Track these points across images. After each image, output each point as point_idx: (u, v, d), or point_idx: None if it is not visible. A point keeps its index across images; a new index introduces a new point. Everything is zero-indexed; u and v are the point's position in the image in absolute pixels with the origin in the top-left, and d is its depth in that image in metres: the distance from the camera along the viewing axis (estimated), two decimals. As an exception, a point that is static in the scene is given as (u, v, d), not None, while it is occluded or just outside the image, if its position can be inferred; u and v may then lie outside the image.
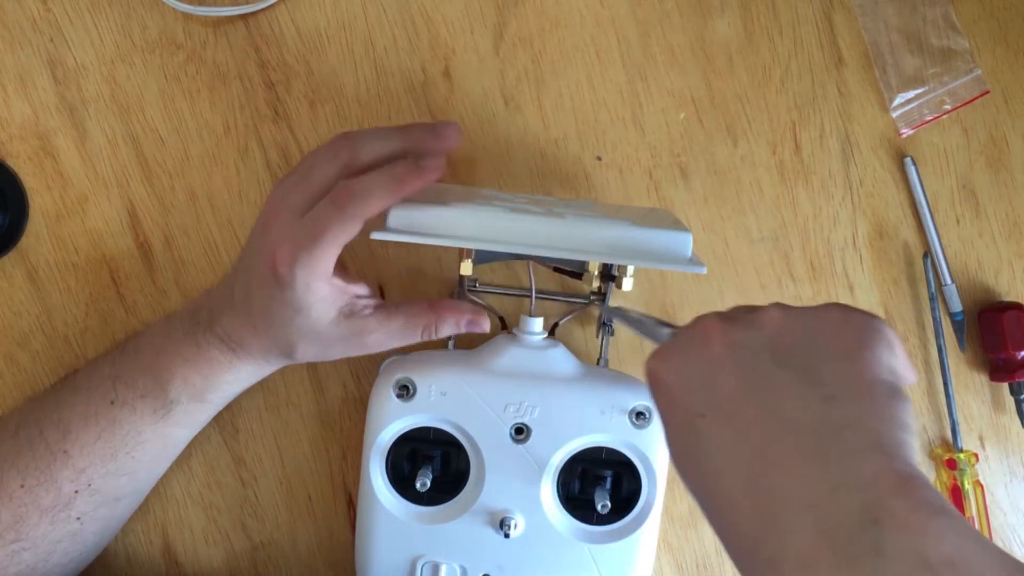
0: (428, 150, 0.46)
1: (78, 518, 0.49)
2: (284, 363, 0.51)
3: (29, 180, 0.55)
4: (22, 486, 0.48)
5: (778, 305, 0.37)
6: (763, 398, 0.34)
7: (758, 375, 0.35)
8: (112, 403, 0.48)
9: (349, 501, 0.57)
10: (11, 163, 0.55)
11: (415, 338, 0.49)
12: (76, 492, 0.49)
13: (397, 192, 0.44)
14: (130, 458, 0.49)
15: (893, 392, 0.33)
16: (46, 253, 0.55)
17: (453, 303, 0.50)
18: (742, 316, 0.37)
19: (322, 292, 0.45)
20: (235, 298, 0.47)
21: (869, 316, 0.36)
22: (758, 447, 0.33)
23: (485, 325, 0.50)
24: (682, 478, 0.36)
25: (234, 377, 0.50)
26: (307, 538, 0.58)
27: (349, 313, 0.47)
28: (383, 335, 0.48)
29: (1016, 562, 0.28)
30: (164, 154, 0.56)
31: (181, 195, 0.56)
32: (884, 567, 0.28)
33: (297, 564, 0.58)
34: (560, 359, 0.51)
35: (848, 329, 0.35)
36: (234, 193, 0.56)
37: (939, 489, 0.59)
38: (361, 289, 0.48)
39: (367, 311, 0.48)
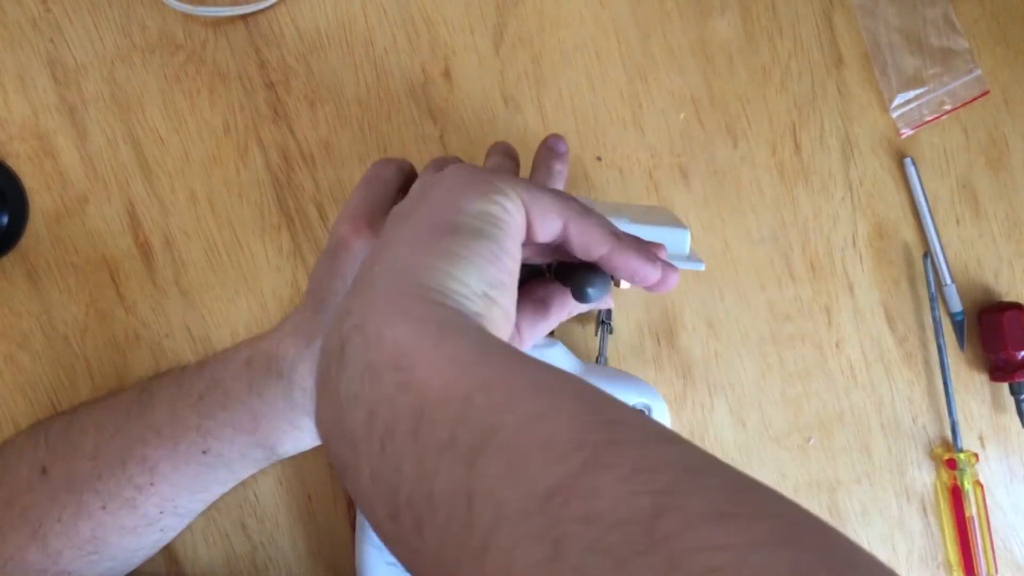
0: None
1: (161, 530, 0.48)
2: None
3: (29, 180, 0.55)
4: (103, 508, 0.46)
5: (423, 175, 0.40)
6: (376, 254, 0.36)
7: (383, 236, 0.37)
8: (205, 453, 0.46)
9: (349, 501, 0.57)
10: (11, 163, 0.55)
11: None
12: (161, 513, 0.47)
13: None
14: (222, 488, 0.49)
15: (440, 227, 0.34)
16: (46, 253, 0.55)
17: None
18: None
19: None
20: None
21: (468, 171, 0.37)
22: (349, 296, 0.35)
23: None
24: None
25: None
26: (307, 538, 0.58)
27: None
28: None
29: (471, 355, 0.29)
30: (164, 154, 0.56)
31: (181, 195, 0.56)
32: (342, 375, 0.30)
33: (297, 564, 0.57)
34: (559, 358, 0.51)
35: (446, 184, 0.36)
36: (234, 193, 0.56)
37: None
38: None
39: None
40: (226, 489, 0.49)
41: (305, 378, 0.44)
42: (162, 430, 0.47)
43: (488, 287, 0.33)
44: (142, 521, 0.47)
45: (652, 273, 0.38)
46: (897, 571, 0.60)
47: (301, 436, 0.46)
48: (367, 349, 0.30)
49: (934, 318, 0.58)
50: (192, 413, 0.46)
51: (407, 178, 0.48)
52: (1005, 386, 0.59)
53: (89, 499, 0.46)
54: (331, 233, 0.46)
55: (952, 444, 0.58)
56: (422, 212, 0.35)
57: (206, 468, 0.46)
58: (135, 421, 0.47)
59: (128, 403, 0.49)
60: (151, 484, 0.46)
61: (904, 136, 0.58)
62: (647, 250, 0.39)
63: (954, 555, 0.58)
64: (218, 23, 0.56)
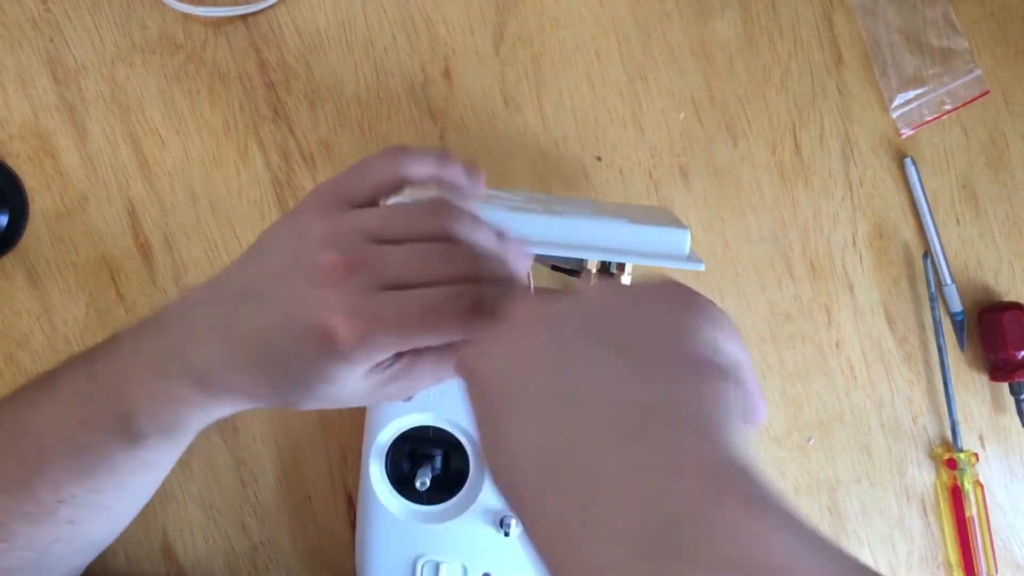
0: (457, 186, 0.43)
1: (69, 521, 0.46)
2: (275, 406, 0.42)
3: (29, 180, 0.55)
4: (3, 491, 0.44)
5: (601, 282, 0.35)
6: (572, 377, 0.30)
7: (569, 353, 0.31)
8: (81, 423, 0.42)
9: (349, 501, 0.57)
10: (11, 163, 0.55)
11: (447, 374, 0.40)
12: (59, 502, 0.44)
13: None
14: (110, 477, 0.45)
15: (715, 370, 0.29)
16: (46, 253, 0.55)
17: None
18: (562, 294, 0.34)
19: (362, 370, 0.38)
20: (229, 332, 0.39)
21: (692, 291, 0.33)
22: (564, 433, 0.28)
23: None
24: (492, 476, 0.31)
25: (207, 416, 0.42)
26: (307, 538, 0.58)
27: (371, 370, 0.39)
28: (411, 380, 0.40)
29: (854, 565, 0.24)
30: (164, 154, 0.56)
31: (181, 195, 0.56)
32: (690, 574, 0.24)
33: (297, 564, 0.58)
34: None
35: (668, 303, 0.32)
36: (234, 193, 0.56)
37: (941, 489, 0.59)
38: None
39: (388, 363, 0.39)
40: (113, 479, 0.45)
41: (180, 338, 0.40)
42: (57, 390, 0.43)
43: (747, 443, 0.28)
44: (41, 509, 0.44)
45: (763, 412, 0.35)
46: (897, 571, 0.60)
47: (155, 409, 0.41)
48: (727, 540, 0.24)
49: (934, 318, 0.58)
50: (84, 370, 0.43)
51: (404, 184, 0.42)
52: (1005, 386, 0.59)
53: None
54: (297, 204, 0.41)
55: (952, 444, 0.58)
56: (656, 338, 0.30)
57: (83, 448, 0.43)
58: (42, 392, 0.45)
59: (45, 375, 0.46)
60: (38, 463, 0.43)
61: (904, 136, 0.58)
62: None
63: (954, 555, 0.58)
64: (218, 23, 0.56)
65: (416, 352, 0.40)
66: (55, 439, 0.43)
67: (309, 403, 0.40)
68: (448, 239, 0.39)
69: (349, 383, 0.38)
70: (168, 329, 0.41)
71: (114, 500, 0.47)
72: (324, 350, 0.36)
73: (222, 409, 0.42)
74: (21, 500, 0.45)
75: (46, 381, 0.46)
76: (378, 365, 0.38)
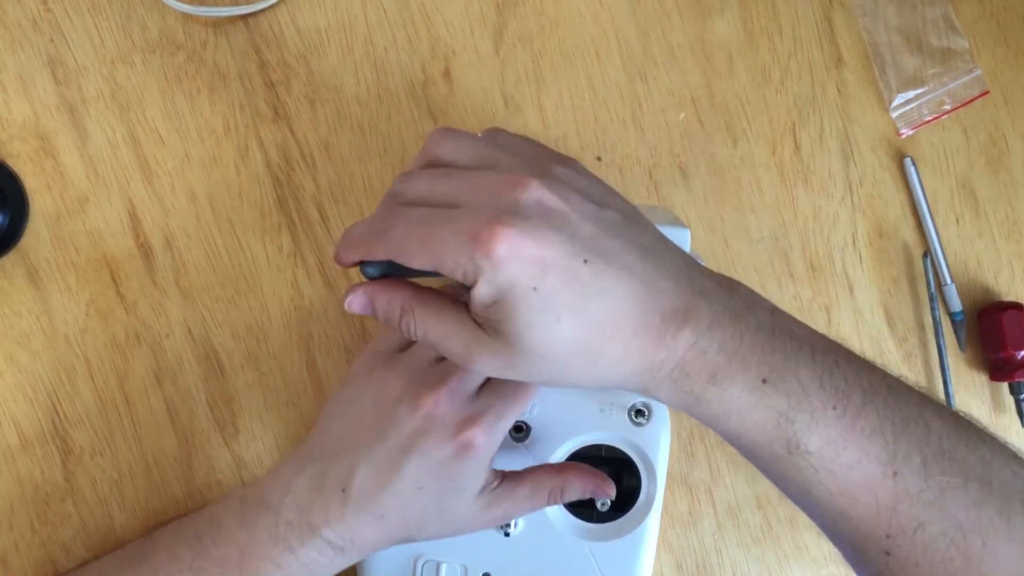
0: None
1: None
2: (394, 546, 0.47)
3: (29, 180, 0.55)
4: None
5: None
6: (618, 233, 0.36)
7: (599, 216, 0.37)
8: None
9: (349, 501, 0.57)
10: (11, 163, 0.55)
11: (541, 503, 0.47)
12: None
13: None
14: None
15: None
16: (46, 253, 0.55)
17: (579, 468, 0.48)
18: (545, 163, 0.38)
19: (488, 465, 0.45)
20: (353, 494, 0.44)
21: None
22: (640, 272, 0.36)
23: (611, 492, 0.48)
24: (570, 342, 0.36)
25: (334, 572, 0.47)
26: (307, 538, 0.58)
27: (485, 486, 0.45)
28: (510, 505, 0.46)
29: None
30: (164, 154, 0.56)
31: (181, 195, 0.56)
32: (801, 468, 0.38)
33: (297, 564, 0.58)
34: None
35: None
36: (234, 193, 0.56)
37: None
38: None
39: (496, 482, 0.46)
40: None
41: (291, 510, 0.45)
42: (159, 571, 0.47)
43: None
44: None
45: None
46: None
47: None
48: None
49: (934, 318, 0.58)
50: (188, 552, 0.47)
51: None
52: (1005, 386, 0.59)
53: None
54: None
55: (952, 444, 0.58)
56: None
57: None
58: (136, 566, 0.48)
59: (132, 550, 0.50)
60: None
61: (904, 136, 0.58)
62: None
63: (954, 555, 0.58)
64: (218, 23, 0.56)
65: (516, 476, 0.46)
66: None
67: (432, 526, 0.46)
68: None
69: (472, 493, 0.45)
70: (279, 509, 0.45)
71: None
72: (464, 451, 0.44)
73: (348, 563, 0.46)
74: None
75: (141, 559, 0.49)
76: (487, 485, 0.45)
